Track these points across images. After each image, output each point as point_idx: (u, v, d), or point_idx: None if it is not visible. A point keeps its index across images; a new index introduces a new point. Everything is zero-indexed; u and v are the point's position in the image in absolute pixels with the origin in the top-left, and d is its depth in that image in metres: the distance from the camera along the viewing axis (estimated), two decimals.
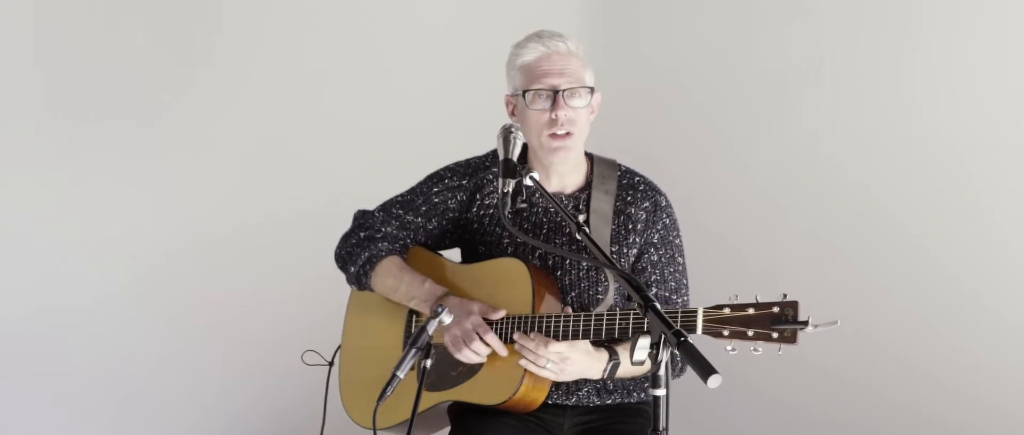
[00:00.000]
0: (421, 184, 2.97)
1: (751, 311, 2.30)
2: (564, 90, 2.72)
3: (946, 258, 3.98)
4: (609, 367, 2.69)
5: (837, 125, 4.22)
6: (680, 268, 2.88)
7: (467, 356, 2.68)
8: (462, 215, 2.91)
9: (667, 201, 2.88)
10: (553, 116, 2.71)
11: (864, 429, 4.12)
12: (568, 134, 2.74)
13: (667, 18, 4.65)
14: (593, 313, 2.60)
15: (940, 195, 3.98)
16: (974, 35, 3.93)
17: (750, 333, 2.29)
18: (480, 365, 2.76)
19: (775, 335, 2.26)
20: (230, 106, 4.15)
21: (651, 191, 2.88)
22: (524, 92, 2.75)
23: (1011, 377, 3.85)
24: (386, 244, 2.89)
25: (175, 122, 4.05)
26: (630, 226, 2.83)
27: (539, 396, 2.72)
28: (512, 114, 2.83)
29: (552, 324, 2.63)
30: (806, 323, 2.24)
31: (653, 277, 2.84)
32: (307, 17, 4.27)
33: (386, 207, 2.98)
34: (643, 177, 2.91)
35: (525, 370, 2.66)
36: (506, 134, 2.65)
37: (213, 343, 4.12)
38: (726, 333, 2.32)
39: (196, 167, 4.09)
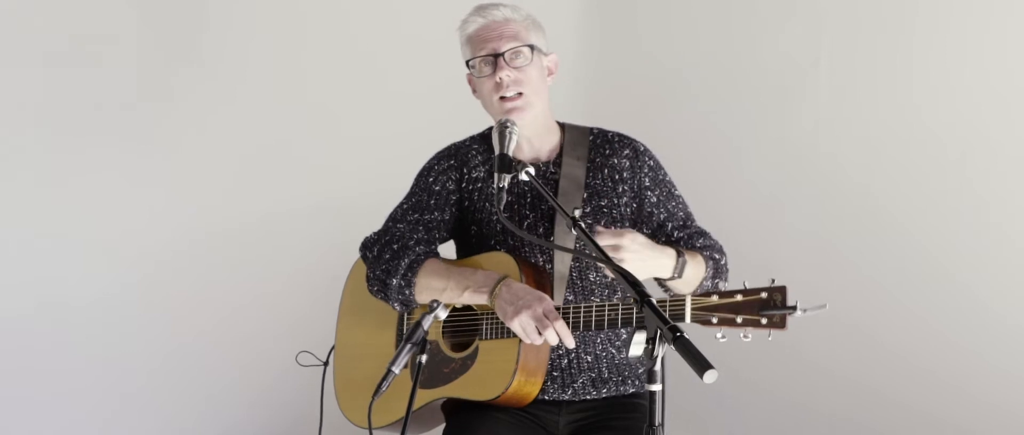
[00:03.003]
0: (417, 183, 2.98)
1: (739, 297, 2.29)
2: (504, 52, 2.78)
3: (945, 255, 3.97)
4: (679, 265, 2.68)
5: (835, 123, 4.22)
6: (680, 199, 2.92)
7: (550, 337, 2.58)
8: (461, 195, 2.93)
9: (645, 146, 2.93)
10: (498, 79, 2.77)
11: (861, 425, 4.11)
12: (519, 95, 2.78)
13: (665, 16, 4.65)
14: (592, 304, 2.60)
15: (938, 193, 3.98)
16: (972, 34, 3.92)
17: (739, 319, 2.27)
18: (472, 361, 2.76)
19: (764, 321, 2.25)
20: (225, 106, 4.15)
21: (626, 139, 2.93)
22: (469, 63, 2.83)
23: (1009, 374, 3.84)
24: (422, 247, 2.85)
25: (169, 123, 4.05)
26: (616, 176, 2.86)
27: (532, 390, 2.72)
28: (474, 92, 2.88)
29: (569, 314, 2.61)
30: (794, 308, 2.22)
31: (662, 215, 2.87)
32: (301, 17, 4.27)
33: (398, 218, 2.94)
34: (616, 132, 2.95)
35: (518, 363, 2.65)
36: (502, 129, 2.66)
37: (211, 343, 4.11)
38: (715, 320, 2.31)
39: (191, 167, 4.09)
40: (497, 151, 2.62)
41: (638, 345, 2.15)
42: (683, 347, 2.05)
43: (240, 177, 4.16)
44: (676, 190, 2.93)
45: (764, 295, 2.26)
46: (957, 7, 3.95)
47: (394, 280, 2.80)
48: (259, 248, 4.18)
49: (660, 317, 2.12)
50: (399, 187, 3.01)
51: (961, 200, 3.94)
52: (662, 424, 2.15)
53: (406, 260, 2.80)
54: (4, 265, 3.78)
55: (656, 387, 2.14)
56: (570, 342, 2.60)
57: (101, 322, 3.92)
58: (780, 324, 2.24)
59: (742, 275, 4.18)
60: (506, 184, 2.57)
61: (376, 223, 2.98)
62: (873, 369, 4.10)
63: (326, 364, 3.05)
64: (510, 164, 2.59)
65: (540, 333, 2.58)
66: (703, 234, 2.88)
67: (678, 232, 2.86)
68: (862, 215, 4.15)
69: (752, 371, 4.12)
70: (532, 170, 2.61)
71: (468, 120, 3.01)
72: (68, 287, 3.87)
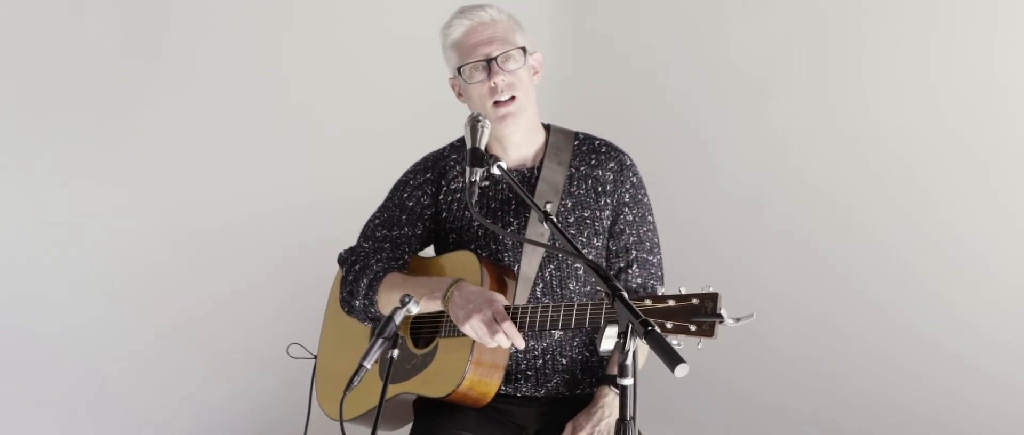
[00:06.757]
0: (391, 196, 2.94)
1: (671, 303, 2.27)
2: (496, 56, 2.72)
3: (915, 254, 3.99)
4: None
5: (807, 123, 4.23)
6: (652, 227, 2.87)
7: (500, 340, 2.56)
8: (438, 208, 2.89)
9: (631, 160, 2.87)
10: (492, 84, 2.71)
11: (834, 424, 4.12)
12: (512, 99, 2.73)
13: (637, 17, 4.66)
14: (538, 305, 2.58)
15: (909, 192, 4.00)
16: (941, 34, 3.93)
17: (669, 325, 2.25)
18: (431, 359, 2.76)
19: (693, 328, 2.23)
20: (201, 102, 4.15)
21: (613, 150, 2.87)
22: (460, 69, 2.76)
23: (980, 371, 3.86)
24: (381, 264, 2.83)
25: (150, 115, 4.05)
26: (599, 188, 2.82)
27: (488, 390, 2.71)
28: (459, 95, 2.82)
29: (517, 315, 2.60)
30: (721, 317, 2.20)
31: (631, 238, 2.82)
32: (280, 15, 4.26)
33: (368, 234, 2.93)
34: (603, 139, 2.89)
35: (470, 362, 2.64)
36: (473, 123, 2.63)
37: (185, 337, 4.10)
38: None
39: (169, 161, 4.09)
40: (469, 145, 2.60)
41: (610, 339, 2.15)
42: (654, 341, 2.05)
43: (216, 172, 4.16)
44: (650, 216, 2.88)
45: (696, 301, 2.24)
46: (926, 8, 3.97)
47: (357, 301, 2.82)
48: (235, 243, 4.18)
49: (632, 312, 2.11)
50: (378, 185, 2.99)
51: (931, 199, 3.96)
52: (634, 418, 2.14)
53: (365, 280, 2.80)
54: None
55: (627, 381, 2.13)
56: (520, 343, 2.57)
57: (72, 314, 3.91)
58: (709, 332, 2.21)
59: (716, 275, 4.19)
60: (478, 178, 2.55)
61: (354, 221, 2.98)
62: (845, 367, 4.11)
63: (316, 357, 3.05)
64: (482, 158, 2.57)
65: (492, 336, 2.55)
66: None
67: (639, 269, 2.81)
68: (834, 214, 4.16)
69: (724, 369, 4.13)
70: (504, 164, 2.60)
71: (447, 118, 2.99)
72: (39, 277, 3.85)
